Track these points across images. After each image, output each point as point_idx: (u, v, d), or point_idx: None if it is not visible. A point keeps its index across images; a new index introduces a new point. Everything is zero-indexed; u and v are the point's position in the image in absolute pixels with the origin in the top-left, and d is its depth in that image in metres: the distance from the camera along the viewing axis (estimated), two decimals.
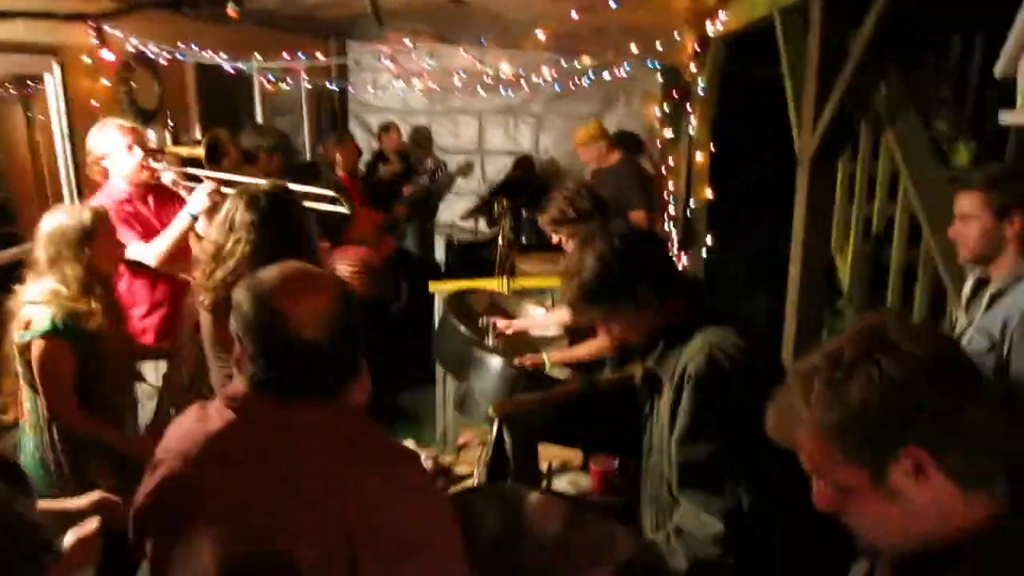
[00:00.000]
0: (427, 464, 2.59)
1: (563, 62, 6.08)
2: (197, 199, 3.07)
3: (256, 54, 5.08)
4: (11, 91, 3.88)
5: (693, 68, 5.26)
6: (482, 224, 6.86)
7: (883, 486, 0.98)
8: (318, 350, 1.26)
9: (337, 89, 6.84)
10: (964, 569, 0.97)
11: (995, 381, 1.97)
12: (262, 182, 2.44)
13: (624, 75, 6.13)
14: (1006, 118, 1.96)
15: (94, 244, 2.47)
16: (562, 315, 3.23)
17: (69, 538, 1.57)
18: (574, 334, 3.21)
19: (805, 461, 1.05)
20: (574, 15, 2.98)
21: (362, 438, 1.33)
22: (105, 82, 3.93)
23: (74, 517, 1.71)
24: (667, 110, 6.17)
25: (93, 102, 3.85)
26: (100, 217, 2.54)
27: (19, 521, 1.35)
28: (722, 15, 4.31)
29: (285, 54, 5.24)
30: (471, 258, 6.19)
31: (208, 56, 4.55)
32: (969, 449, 0.97)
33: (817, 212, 3.05)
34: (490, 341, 3.09)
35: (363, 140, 6.85)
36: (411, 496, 1.30)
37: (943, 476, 0.97)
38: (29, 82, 3.84)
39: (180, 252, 3.13)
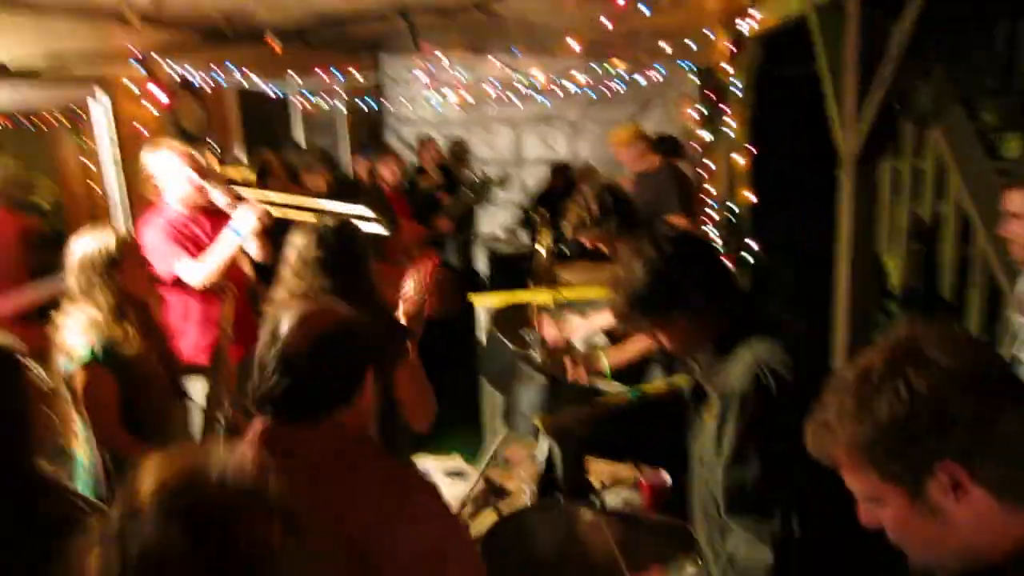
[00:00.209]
0: (476, 482, 2.60)
1: (596, 67, 6.06)
2: (245, 219, 3.12)
3: (292, 73, 5.17)
4: (63, 120, 4.02)
5: (728, 68, 5.21)
6: (523, 235, 6.86)
7: (922, 503, 0.96)
8: (301, 374, 1.32)
9: (374, 105, 6.91)
10: None
11: None
12: (322, 204, 2.46)
13: (659, 78, 6.09)
14: None
15: (122, 269, 2.48)
16: (605, 319, 3.20)
17: None
18: (616, 339, 3.18)
19: (846, 479, 1.04)
20: (605, 22, 2.97)
21: (363, 464, 1.36)
22: (151, 108, 4.03)
23: None
24: (704, 112, 6.12)
25: (140, 128, 3.96)
26: (126, 241, 2.55)
27: None
28: (756, 14, 4.26)
29: (320, 71, 5.31)
30: (513, 270, 6.18)
31: (248, 81, 4.64)
32: (1007, 461, 0.94)
33: (862, 212, 2.98)
34: (537, 354, 3.09)
35: (401, 153, 6.91)
36: (420, 522, 1.31)
37: (982, 490, 0.94)
38: (78, 110, 3.97)
39: (229, 271, 3.20)
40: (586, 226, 3.00)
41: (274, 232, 3.21)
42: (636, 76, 6.13)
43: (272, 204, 3.13)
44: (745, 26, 4.53)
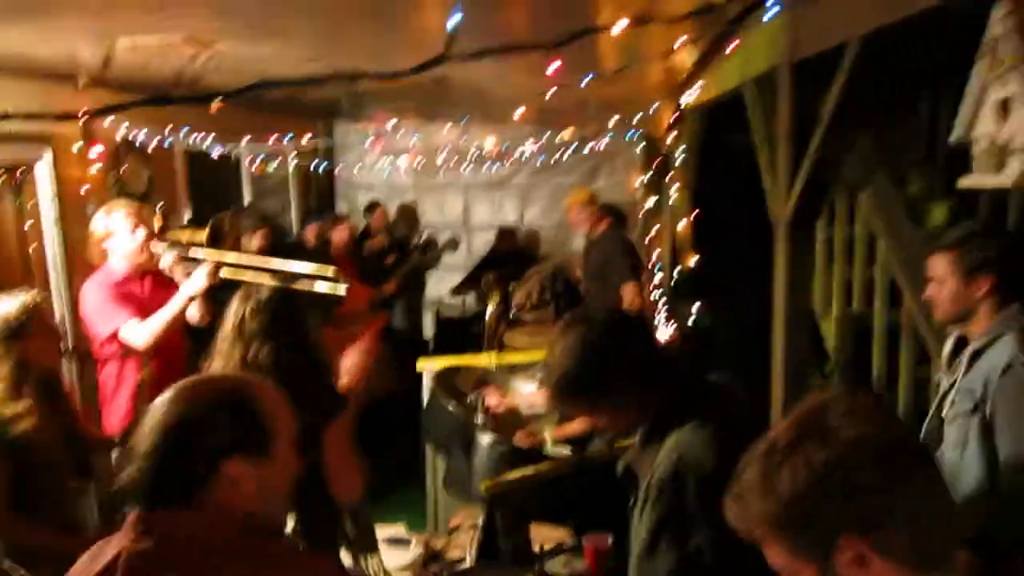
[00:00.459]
0: (417, 549, 2.54)
1: (546, 135, 6.23)
2: (196, 280, 3.09)
3: (244, 137, 5.19)
4: (2, 180, 3.95)
5: (671, 138, 5.40)
6: (470, 299, 6.89)
7: None
8: (158, 456, 1.24)
9: (324, 170, 6.96)
10: None
11: (981, 442, 1.97)
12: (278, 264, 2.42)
13: (607, 146, 6.28)
14: (964, 183, 2.02)
15: (25, 337, 2.34)
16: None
17: None
18: None
19: (765, 553, 1.03)
20: (548, 96, 3.09)
21: (235, 547, 1.25)
22: (94, 170, 3.99)
23: None
24: (648, 179, 6.30)
25: (82, 189, 3.91)
26: (30, 308, 2.40)
27: None
28: (696, 86, 4.44)
29: (274, 135, 5.35)
30: (459, 333, 6.19)
31: (195, 141, 4.64)
32: (912, 531, 0.94)
33: (796, 276, 3.08)
34: (480, 419, 3.08)
35: (351, 218, 6.93)
36: None
37: (889, 562, 0.93)
38: (18, 172, 3.91)
39: (171, 334, 3.15)
40: (532, 308, 3.06)
41: (214, 296, 3.18)
42: (585, 144, 6.31)
43: (225, 265, 3.11)
44: (688, 97, 4.72)
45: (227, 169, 5.96)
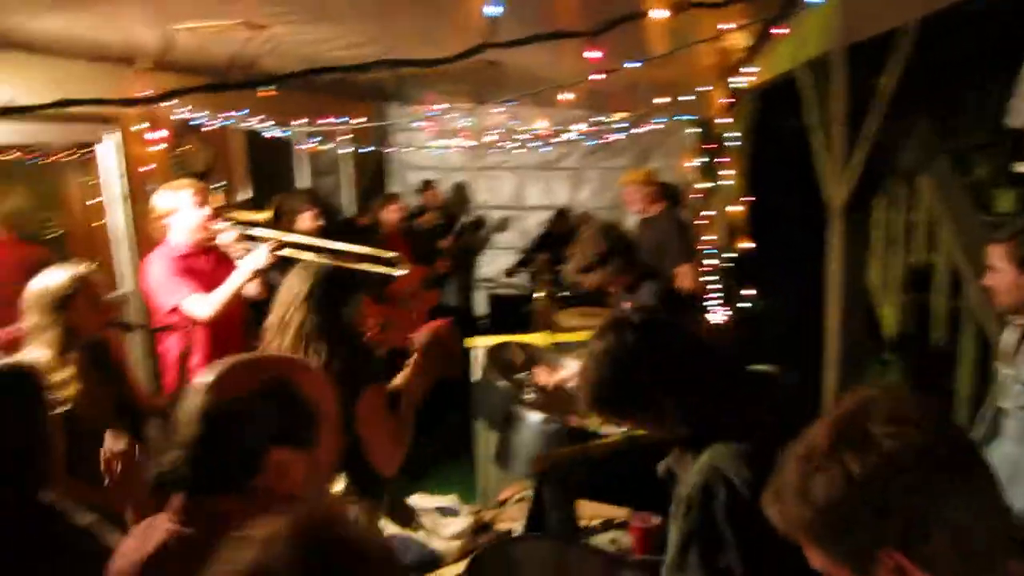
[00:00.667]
0: (467, 520, 2.60)
1: (597, 118, 6.19)
2: (258, 257, 3.18)
3: (299, 118, 5.28)
4: (71, 158, 4.10)
5: (724, 120, 5.32)
6: (523, 278, 6.93)
7: None
8: (204, 443, 1.23)
9: (376, 150, 7.04)
10: None
11: None
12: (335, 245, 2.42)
13: (658, 129, 6.21)
14: (1020, 168, 1.98)
15: (72, 307, 2.40)
16: None
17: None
18: None
19: (806, 554, 0.99)
20: (600, 77, 3.07)
21: None
22: (157, 149, 4.12)
23: None
24: (702, 162, 6.22)
25: (145, 168, 4.04)
26: (79, 280, 2.45)
27: None
28: (749, 69, 4.37)
29: (328, 117, 5.43)
30: (512, 312, 6.24)
31: (251, 123, 4.74)
32: (954, 545, 0.89)
33: (851, 261, 3.03)
34: (530, 396, 3.11)
35: (405, 197, 7.02)
36: None
37: None
38: (86, 149, 4.07)
39: (231, 308, 3.25)
40: (588, 269, 3.03)
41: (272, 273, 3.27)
42: (636, 127, 6.25)
43: (285, 244, 3.20)
44: (741, 81, 4.65)
45: (284, 150, 6.08)
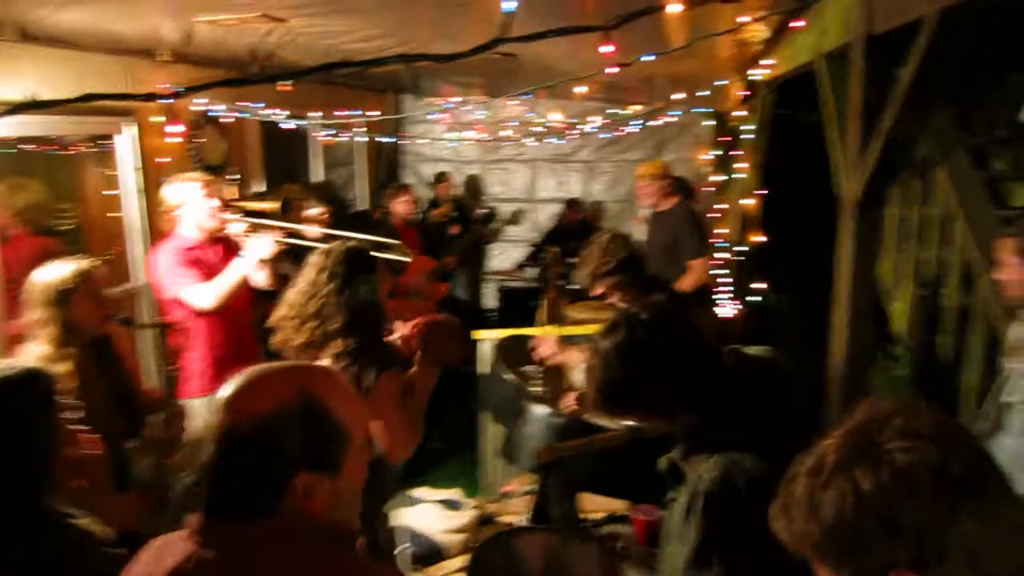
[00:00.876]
0: (471, 512, 2.61)
1: (612, 111, 6.17)
2: (260, 245, 3.20)
3: (315, 110, 5.31)
4: (88, 149, 4.15)
5: (740, 113, 5.29)
6: (533, 271, 6.94)
7: None
8: (226, 465, 1.18)
9: (392, 141, 7.07)
10: None
11: None
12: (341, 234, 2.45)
13: (673, 122, 6.19)
14: None
15: (73, 301, 2.40)
16: None
17: None
18: None
19: (814, 569, 0.96)
20: (615, 71, 3.06)
21: (321, 560, 1.18)
22: (174, 141, 4.16)
23: None
24: (717, 155, 6.20)
25: (163, 160, 4.08)
26: (80, 276, 2.46)
27: None
28: (767, 62, 4.34)
29: (343, 109, 5.46)
30: (521, 305, 6.25)
31: (268, 114, 4.78)
32: (973, 565, 0.85)
33: (862, 256, 2.99)
34: (536, 390, 3.11)
35: (418, 189, 7.05)
36: None
37: None
38: (103, 141, 4.11)
39: (237, 300, 3.27)
40: (596, 278, 3.05)
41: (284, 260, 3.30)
42: (651, 120, 6.23)
43: (292, 235, 3.23)
44: (758, 74, 4.61)
45: (299, 141, 6.12)
